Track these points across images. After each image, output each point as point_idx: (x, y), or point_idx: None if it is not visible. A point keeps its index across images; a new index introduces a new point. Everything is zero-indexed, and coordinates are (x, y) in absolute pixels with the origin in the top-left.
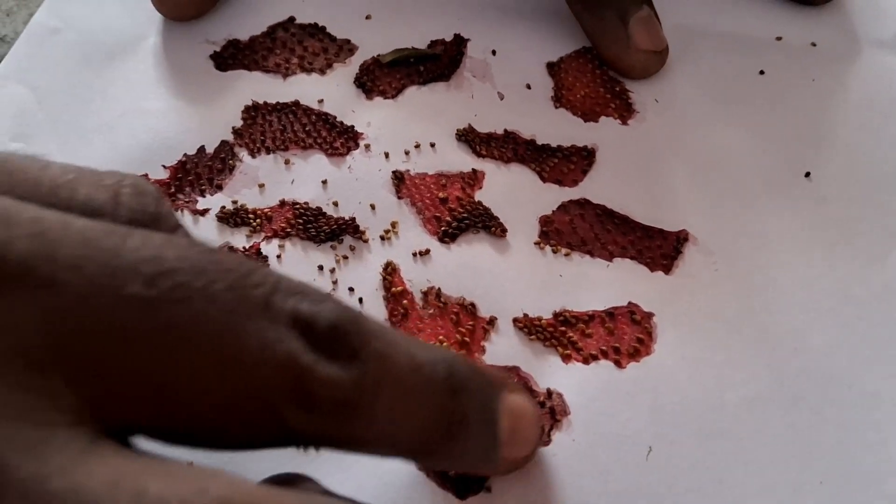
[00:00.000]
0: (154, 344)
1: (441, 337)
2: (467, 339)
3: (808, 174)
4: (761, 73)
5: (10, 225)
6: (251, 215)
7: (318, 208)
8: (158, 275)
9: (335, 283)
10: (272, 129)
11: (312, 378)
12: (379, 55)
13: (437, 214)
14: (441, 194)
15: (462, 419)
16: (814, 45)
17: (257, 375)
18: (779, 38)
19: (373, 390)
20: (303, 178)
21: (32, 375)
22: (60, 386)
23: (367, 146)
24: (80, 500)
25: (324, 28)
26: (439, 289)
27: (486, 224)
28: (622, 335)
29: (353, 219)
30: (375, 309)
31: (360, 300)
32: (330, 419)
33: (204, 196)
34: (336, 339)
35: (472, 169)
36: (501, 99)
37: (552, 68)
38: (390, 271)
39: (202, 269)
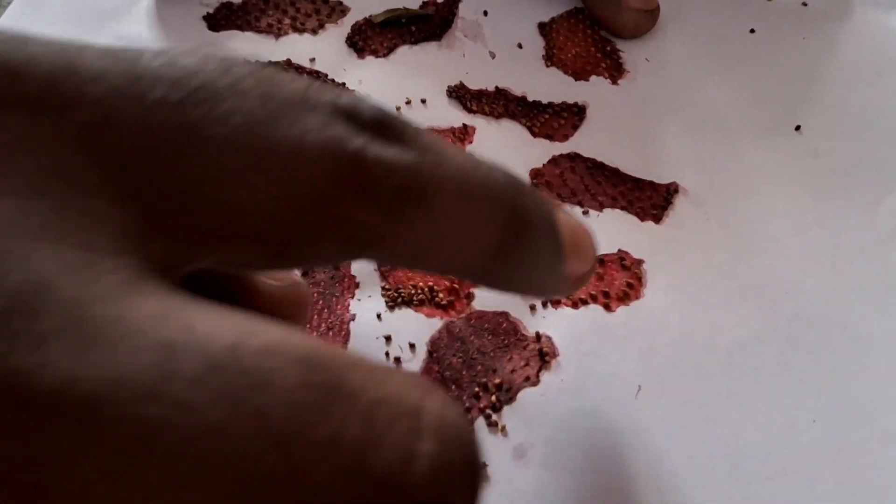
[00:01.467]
0: (189, 148)
1: (430, 282)
2: (456, 284)
3: (798, 128)
4: (752, 31)
5: (27, 43)
6: None
7: None
8: (182, 76)
9: None
10: None
11: (367, 161)
12: (371, 15)
13: None
14: None
15: (528, 223)
16: (805, 4)
17: (305, 164)
18: None
19: (434, 178)
20: None
21: (75, 197)
22: (105, 208)
23: None
24: (124, 330)
25: None
26: None
27: None
28: (612, 280)
29: None
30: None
31: None
32: (395, 209)
33: None
34: (384, 125)
35: (463, 124)
36: (493, 58)
37: (544, 28)
38: None
39: (226, 69)
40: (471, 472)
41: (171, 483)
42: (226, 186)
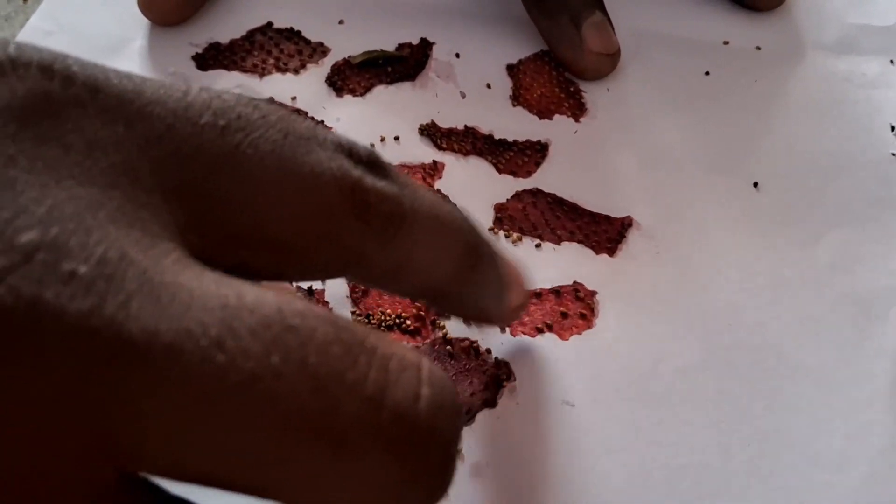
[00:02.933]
0: (229, 165)
1: (399, 310)
2: (423, 312)
3: (746, 167)
4: (707, 73)
5: (104, 69)
6: None
7: None
8: (224, 108)
9: None
10: None
11: (365, 188)
12: (350, 56)
13: None
14: None
15: (481, 255)
16: (759, 48)
17: (318, 187)
18: (726, 42)
19: (412, 208)
20: None
21: (138, 191)
22: (160, 203)
23: None
24: (190, 294)
25: (299, 32)
26: None
27: None
28: (567, 311)
29: None
30: (337, 286)
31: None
32: (382, 230)
33: None
34: (374, 163)
35: (433, 161)
36: (463, 97)
37: (511, 70)
38: None
39: (255, 105)
40: (455, 412)
41: (238, 414)
42: (255, 198)
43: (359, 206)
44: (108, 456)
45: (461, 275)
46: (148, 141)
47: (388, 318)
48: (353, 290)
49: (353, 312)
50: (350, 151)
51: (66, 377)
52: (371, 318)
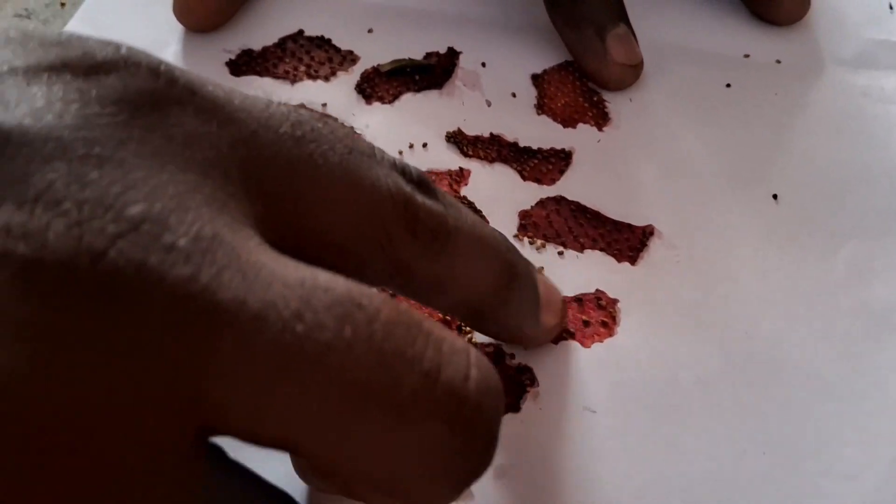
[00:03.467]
0: (303, 172)
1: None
2: (448, 317)
3: (765, 179)
4: (728, 86)
5: (199, 76)
6: None
7: None
8: (300, 121)
9: None
10: None
11: (416, 204)
12: (379, 65)
13: None
14: None
15: (517, 273)
16: (779, 62)
17: (376, 198)
18: (746, 56)
19: (456, 226)
20: None
21: (226, 184)
22: (243, 196)
23: None
24: (272, 272)
25: (329, 40)
26: None
27: None
28: (589, 319)
29: None
30: None
31: None
32: (428, 244)
33: None
34: (423, 183)
35: (459, 167)
36: (489, 106)
37: (536, 79)
38: None
39: (325, 121)
40: (499, 395)
41: (314, 380)
42: (322, 202)
43: (410, 219)
44: (195, 411)
45: (499, 292)
46: (236, 141)
47: None
48: None
49: None
50: (403, 171)
51: (165, 334)
52: None
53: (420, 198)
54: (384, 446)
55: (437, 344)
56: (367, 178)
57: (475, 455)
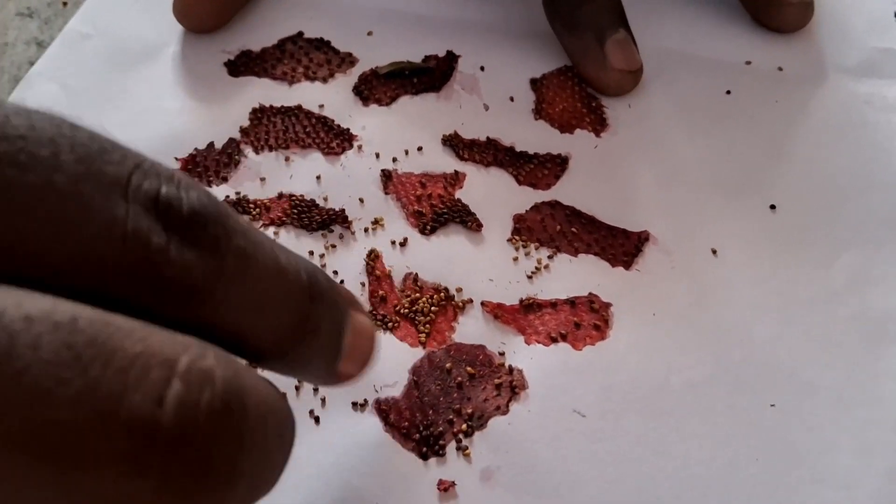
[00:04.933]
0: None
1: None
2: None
3: (764, 188)
4: (728, 93)
5: None
6: (252, 205)
7: (312, 200)
8: (2, 138)
9: (323, 266)
10: (276, 129)
11: (162, 256)
12: (377, 67)
13: (420, 209)
14: (424, 191)
15: (315, 322)
16: (780, 69)
17: (98, 247)
18: (748, 63)
19: (228, 283)
20: (300, 173)
21: None
22: None
23: (360, 147)
24: None
25: (328, 42)
26: (416, 274)
27: (464, 219)
28: (581, 321)
29: (343, 210)
30: (356, 292)
31: (342, 282)
32: (176, 300)
33: (210, 186)
34: (196, 226)
35: (455, 171)
36: (486, 110)
37: (535, 84)
38: (373, 257)
39: (51, 140)
40: (222, 410)
41: None
42: (24, 245)
43: (146, 271)
44: None
45: (285, 342)
46: None
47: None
48: (371, 295)
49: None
50: (167, 209)
51: None
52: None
53: (178, 252)
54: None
55: (123, 367)
56: (96, 220)
57: (201, 488)
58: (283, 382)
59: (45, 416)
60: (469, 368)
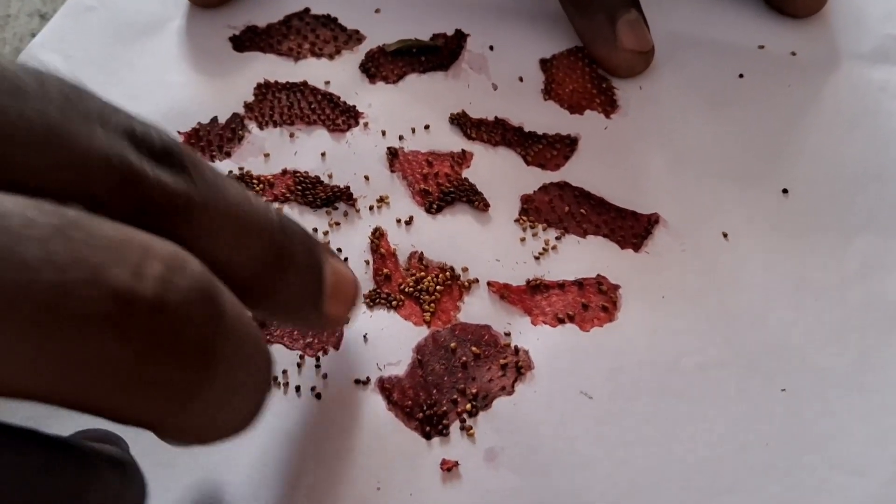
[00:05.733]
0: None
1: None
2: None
3: (776, 172)
4: (741, 76)
5: None
6: (255, 181)
7: (317, 177)
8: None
9: (327, 243)
10: (280, 105)
11: (142, 178)
12: (384, 44)
13: (426, 188)
14: (431, 170)
15: (291, 255)
16: (794, 54)
17: (84, 164)
18: (761, 47)
19: (202, 209)
20: (305, 150)
21: None
22: None
23: (366, 124)
24: None
25: (335, 19)
26: (422, 253)
27: (470, 198)
28: (589, 303)
29: (348, 187)
30: (360, 270)
31: (346, 259)
32: (159, 221)
33: (213, 161)
34: (169, 156)
35: (462, 150)
36: (495, 89)
37: (545, 64)
38: (378, 235)
39: (38, 78)
40: (206, 294)
41: None
42: (13, 157)
43: (129, 193)
44: None
45: (264, 276)
46: None
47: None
48: (376, 273)
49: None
50: (141, 140)
51: None
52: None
53: (154, 172)
54: (52, 364)
55: (107, 246)
56: (82, 145)
57: (172, 364)
58: (285, 367)
59: (34, 279)
60: (474, 348)
